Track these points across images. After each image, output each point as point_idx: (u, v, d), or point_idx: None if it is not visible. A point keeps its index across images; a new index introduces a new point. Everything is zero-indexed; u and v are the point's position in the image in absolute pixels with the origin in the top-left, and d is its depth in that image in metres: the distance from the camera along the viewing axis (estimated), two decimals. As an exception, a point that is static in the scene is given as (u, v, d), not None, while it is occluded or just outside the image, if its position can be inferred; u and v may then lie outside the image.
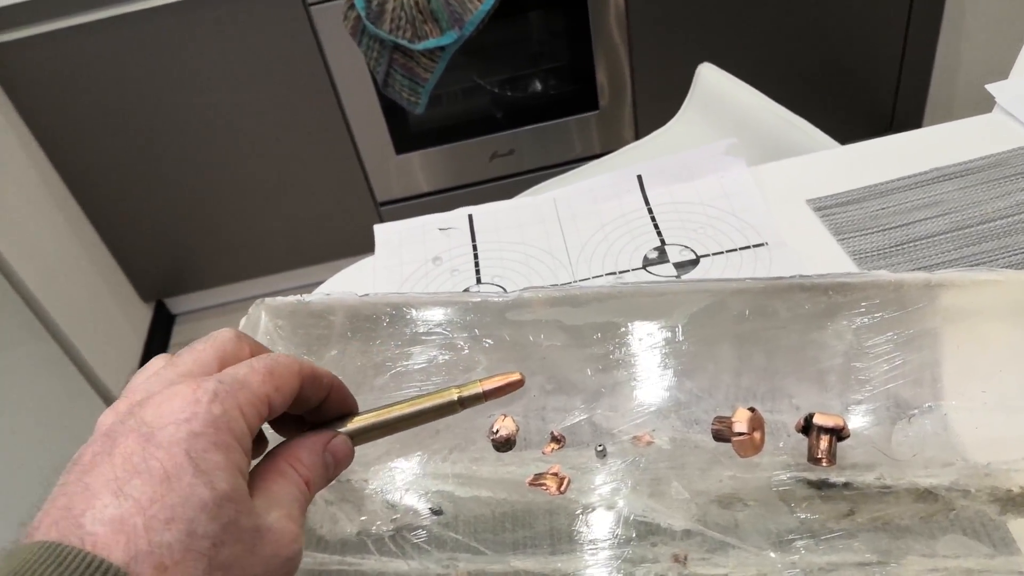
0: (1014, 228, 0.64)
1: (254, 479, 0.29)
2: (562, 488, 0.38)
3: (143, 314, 1.87)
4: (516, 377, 0.37)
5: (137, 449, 0.26)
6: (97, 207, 1.67)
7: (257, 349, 0.33)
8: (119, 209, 1.68)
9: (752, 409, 0.36)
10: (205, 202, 1.70)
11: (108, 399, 1.63)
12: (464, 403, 0.39)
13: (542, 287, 0.44)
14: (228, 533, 0.26)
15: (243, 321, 0.49)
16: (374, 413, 0.42)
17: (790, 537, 0.39)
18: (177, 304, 1.96)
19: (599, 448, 0.40)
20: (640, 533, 0.39)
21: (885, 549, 0.38)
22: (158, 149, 1.60)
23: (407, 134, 1.67)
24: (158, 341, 1.88)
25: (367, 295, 0.46)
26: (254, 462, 0.31)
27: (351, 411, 0.37)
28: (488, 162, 1.71)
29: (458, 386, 0.41)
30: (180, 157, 1.62)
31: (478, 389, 0.38)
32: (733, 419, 0.35)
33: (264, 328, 0.46)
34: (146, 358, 1.79)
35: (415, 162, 1.70)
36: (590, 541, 0.39)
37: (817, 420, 0.35)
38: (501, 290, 0.46)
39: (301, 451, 0.32)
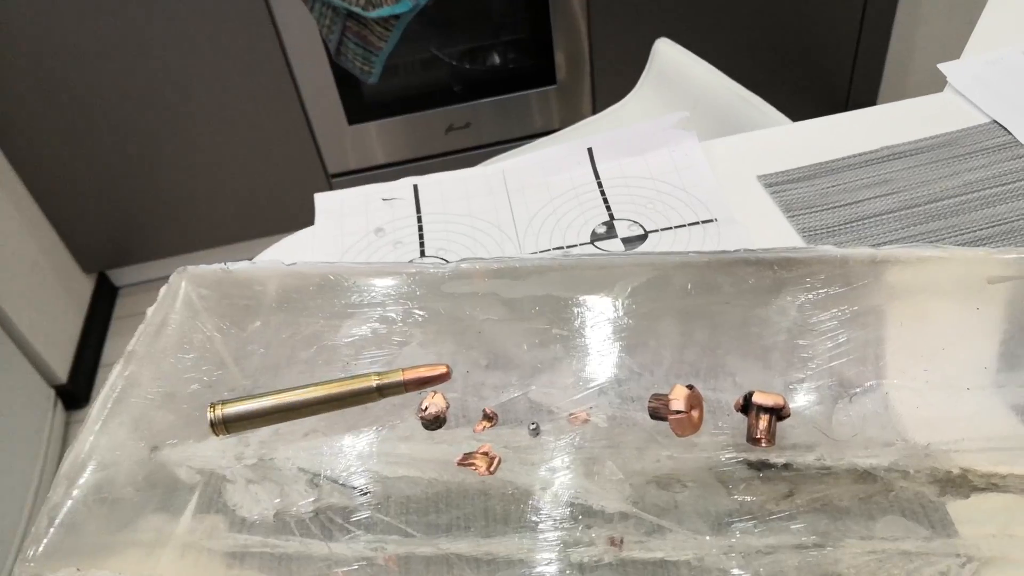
0: (962, 207, 0.64)
1: None
2: (492, 468, 0.37)
3: (84, 286, 1.81)
4: (442, 370, 0.35)
5: None
6: (36, 174, 1.60)
7: None
8: (59, 177, 1.62)
9: (690, 386, 0.34)
10: (150, 171, 1.64)
11: (46, 373, 1.58)
12: (383, 391, 0.37)
13: (481, 258, 0.42)
14: None
15: (163, 290, 0.46)
16: (289, 392, 0.40)
17: (728, 519, 0.37)
18: (121, 276, 1.90)
19: (532, 427, 0.38)
20: (574, 515, 0.38)
21: (824, 531, 0.37)
22: (101, 116, 1.54)
23: (360, 104, 1.62)
24: (100, 314, 1.82)
25: (295, 264, 0.44)
26: None
27: None
28: (444, 135, 1.68)
29: (379, 373, 0.39)
30: (124, 124, 1.56)
31: (399, 378, 0.36)
32: (670, 396, 0.34)
33: (184, 297, 0.44)
34: (87, 331, 1.73)
35: (368, 133, 1.66)
36: (523, 523, 0.38)
37: (756, 399, 0.34)
38: (442, 262, 0.44)
39: None
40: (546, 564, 0.37)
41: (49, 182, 1.62)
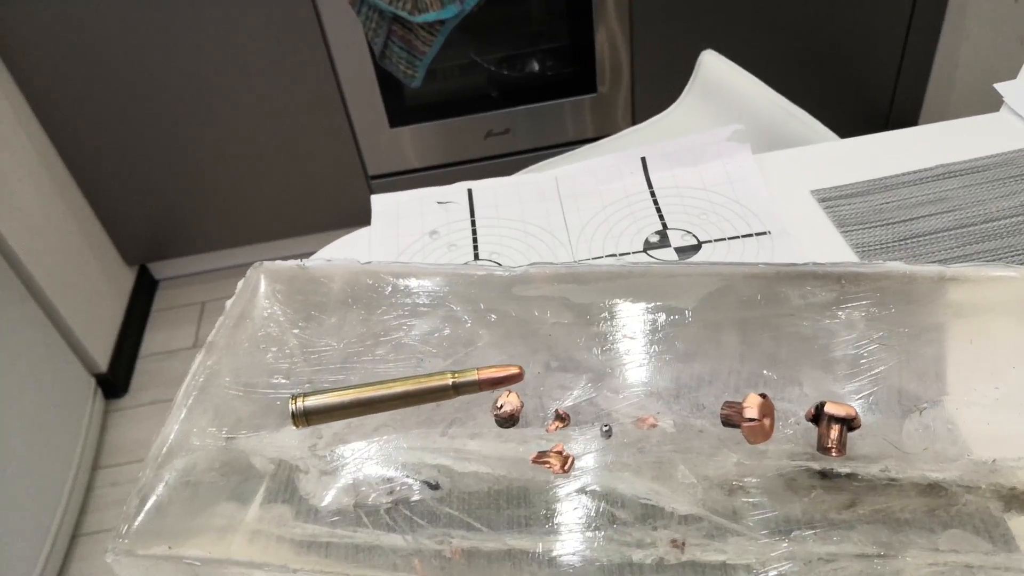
0: (1018, 228, 0.64)
1: None
2: (567, 467, 0.38)
3: (126, 278, 1.84)
4: (515, 371, 0.37)
5: None
6: (83, 167, 1.64)
7: None
8: (106, 170, 1.65)
9: (763, 395, 0.35)
10: (193, 167, 1.67)
11: (87, 362, 1.61)
12: (459, 389, 0.39)
13: (548, 263, 0.43)
14: None
15: (240, 284, 0.47)
16: (368, 387, 0.41)
17: (791, 526, 0.38)
18: (160, 269, 1.94)
19: (605, 428, 0.39)
20: (639, 517, 0.38)
21: (886, 542, 0.38)
22: (149, 111, 1.57)
23: (402, 108, 1.64)
24: (140, 306, 1.85)
25: (369, 263, 0.45)
26: None
27: None
28: (483, 140, 1.70)
29: (454, 371, 0.40)
30: (171, 121, 1.59)
31: (474, 377, 0.37)
32: (744, 404, 0.35)
33: (263, 291, 0.45)
34: (127, 322, 1.77)
35: (409, 136, 1.68)
36: (588, 522, 0.39)
37: (828, 409, 0.35)
38: (503, 265, 0.45)
39: None
40: (608, 563, 0.38)
41: (96, 175, 1.66)
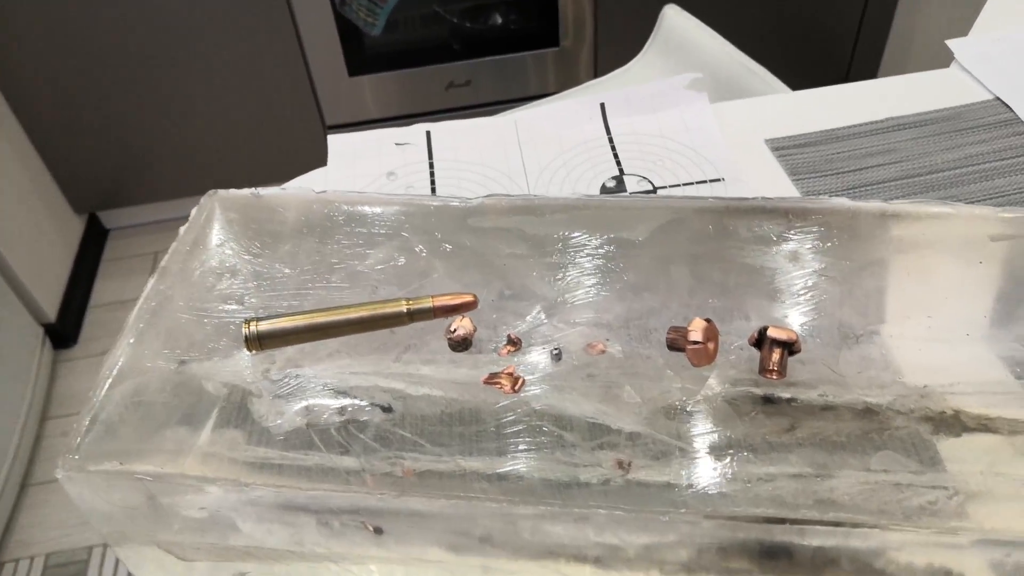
0: (962, 179, 0.66)
1: None
2: (517, 387, 0.38)
3: (75, 226, 1.80)
4: (469, 299, 0.37)
5: None
6: (30, 111, 1.59)
7: None
8: (54, 115, 1.60)
9: (708, 320, 0.36)
10: (146, 113, 1.63)
11: (35, 311, 1.57)
12: (413, 316, 0.39)
13: (504, 195, 0.44)
14: None
15: (194, 211, 0.47)
16: (322, 313, 0.41)
17: (733, 448, 0.40)
18: (111, 218, 1.89)
19: (555, 351, 0.40)
20: (586, 438, 0.40)
21: (822, 463, 0.39)
22: (100, 55, 1.52)
23: (362, 57, 1.62)
24: (90, 255, 1.81)
25: (324, 192, 0.45)
26: None
27: None
28: (444, 91, 1.68)
29: (408, 299, 0.40)
30: (123, 65, 1.55)
31: (428, 304, 0.38)
32: (689, 328, 0.36)
33: (217, 219, 0.45)
34: (77, 272, 1.73)
35: (368, 86, 1.66)
36: (537, 443, 0.40)
37: (771, 333, 0.36)
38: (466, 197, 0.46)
39: None
40: (556, 482, 0.39)
41: (44, 120, 1.61)
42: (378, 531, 0.40)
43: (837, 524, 0.38)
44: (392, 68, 1.64)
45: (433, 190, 0.69)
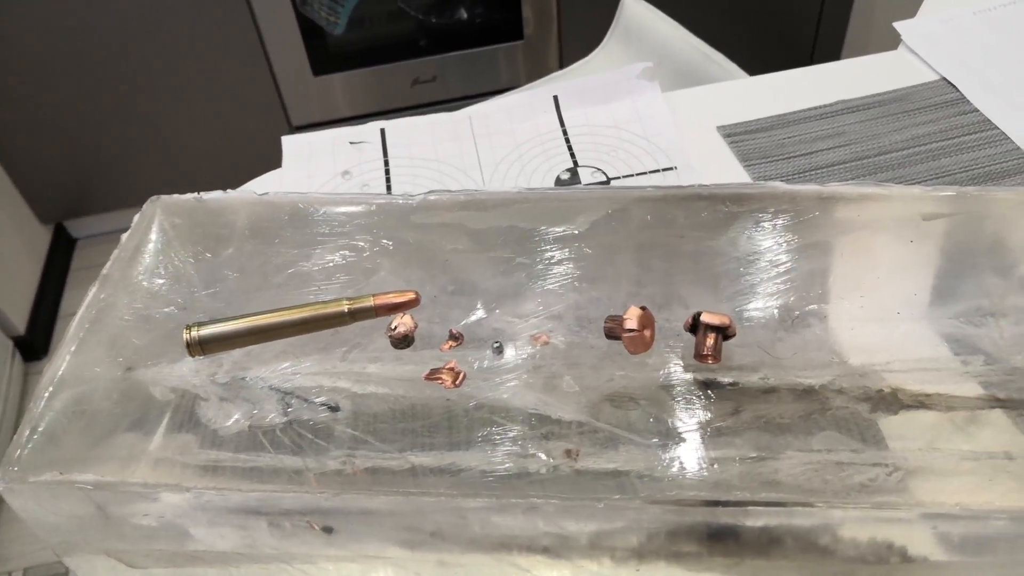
0: (909, 160, 0.67)
1: None
2: (457, 382, 0.39)
3: (41, 237, 1.78)
4: (410, 296, 0.37)
5: None
6: (-11, 119, 1.57)
7: None
8: (16, 123, 1.58)
9: (643, 308, 0.37)
10: (110, 119, 1.61)
11: (4, 324, 1.56)
12: (355, 315, 0.39)
13: (448, 191, 0.44)
14: None
15: (136, 217, 0.47)
16: (264, 315, 0.41)
17: (678, 433, 0.40)
18: (78, 227, 1.87)
19: (495, 345, 0.40)
20: (533, 426, 0.40)
21: (766, 445, 0.40)
22: (62, 62, 1.50)
23: (326, 56, 1.61)
24: (58, 265, 1.80)
25: (267, 194, 0.45)
26: None
27: None
28: (409, 88, 1.67)
29: (350, 298, 0.40)
30: (85, 72, 1.53)
31: (369, 303, 0.38)
32: (624, 316, 0.36)
33: (158, 225, 0.45)
34: (45, 282, 1.71)
35: (333, 85, 1.65)
36: (485, 436, 0.40)
37: (704, 318, 0.36)
38: (409, 194, 0.46)
39: None
40: (506, 473, 0.39)
41: (5, 128, 1.58)
42: (327, 530, 0.40)
43: (781, 504, 0.38)
44: (357, 66, 1.63)
45: (388, 188, 0.69)
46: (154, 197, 0.47)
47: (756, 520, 0.39)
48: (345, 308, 0.39)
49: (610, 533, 0.41)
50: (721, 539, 0.41)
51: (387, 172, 0.72)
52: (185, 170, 1.72)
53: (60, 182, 1.70)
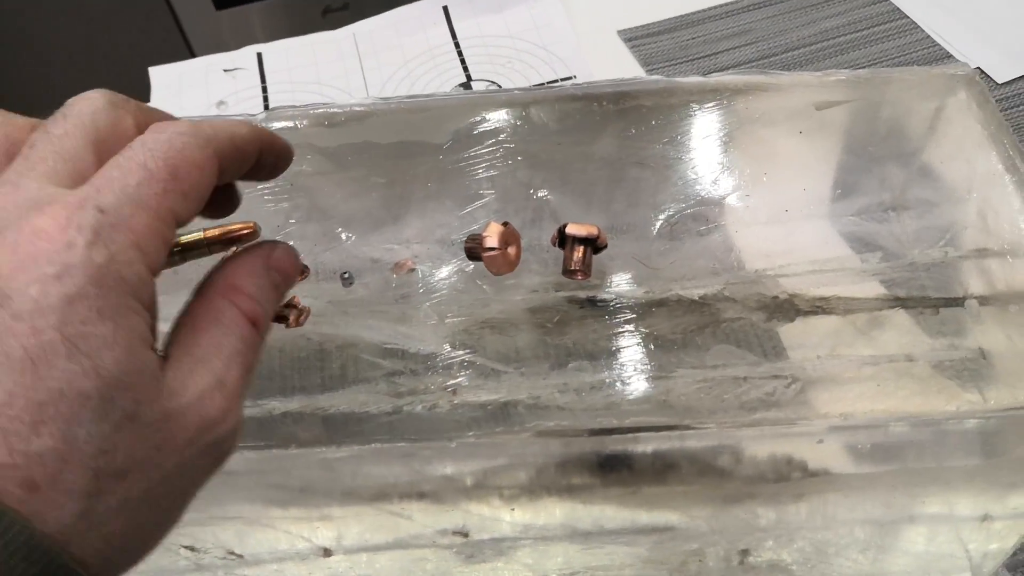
0: (818, 55, 0.63)
1: (180, 329, 0.21)
2: (301, 320, 0.34)
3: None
4: (249, 227, 0.30)
5: None
6: None
7: (144, 117, 0.22)
8: None
9: (505, 223, 0.33)
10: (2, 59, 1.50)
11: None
12: (185, 254, 0.31)
13: (294, 105, 0.39)
14: (123, 432, 0.18)
15: None
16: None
17: (563, 358, 0.37)
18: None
19: (344, 276, 0.36)
20: (401, 359, 0.36)
21: (657, 364, 0.37)
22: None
23: (226, -13, 1.50)
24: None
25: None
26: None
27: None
28: (320, 18, 1.58)
29: (180, 234, 0.35)
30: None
31: (199, 236, 0.30)
32: (484, 234, 0.32)
33: None
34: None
35: (239, 18, 1.54)
36: (355, 376, 0.36)
37: (570, 230, 0.32)
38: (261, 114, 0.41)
39: (240, 276, 0.23)
40: (385, 416, 0.36)
41: None
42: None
43: (674, 427, 0.35)
44: (261, -3, 1.53)
45: (269, 117, 0.64)
46: None
47: (648, 446, 0.36)
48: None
49: (495, 470, 0.38)
50: (614, 468, 0.38)
51: (265, 100, 0.66)
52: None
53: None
